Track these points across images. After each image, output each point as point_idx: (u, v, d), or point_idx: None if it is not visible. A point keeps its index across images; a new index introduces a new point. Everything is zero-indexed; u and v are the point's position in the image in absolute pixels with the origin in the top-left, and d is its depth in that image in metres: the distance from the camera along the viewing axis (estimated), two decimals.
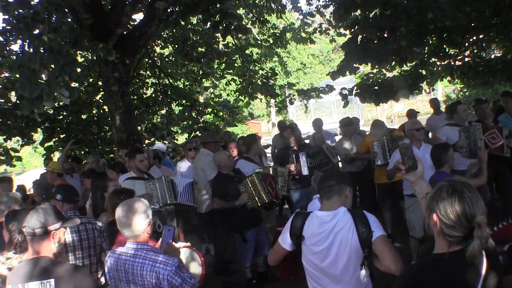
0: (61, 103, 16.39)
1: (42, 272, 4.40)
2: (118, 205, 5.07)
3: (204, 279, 6.39)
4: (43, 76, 8.49)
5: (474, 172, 7.95)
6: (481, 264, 3.10)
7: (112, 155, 16.57)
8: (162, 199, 8.88)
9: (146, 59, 19.33)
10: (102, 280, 6.77)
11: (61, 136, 17.21)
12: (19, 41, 11.00)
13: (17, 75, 9.04)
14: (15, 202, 7.03)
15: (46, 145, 17.30)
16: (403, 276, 3.46)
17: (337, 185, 4.76)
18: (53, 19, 9.64)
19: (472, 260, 3.08)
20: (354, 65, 12.41)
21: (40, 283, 4.35)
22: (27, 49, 9.11)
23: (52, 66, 8.52)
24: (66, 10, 10.99)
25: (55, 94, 8.33)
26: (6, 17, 10.39)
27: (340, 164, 13.07)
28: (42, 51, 8.65)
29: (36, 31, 8.96)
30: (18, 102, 10.05)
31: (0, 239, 6.08)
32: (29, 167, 45.76)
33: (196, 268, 6.46)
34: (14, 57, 11.40)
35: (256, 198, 8.79)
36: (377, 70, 14.40)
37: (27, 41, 9.08)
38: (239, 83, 21.60)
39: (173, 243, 5.45)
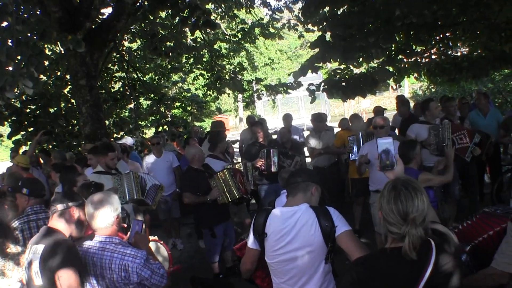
0: (28, 96, 16.39)
1: (41, 238, 4.85)
2: (87, 198, 5.09)
3: (172, 273, 6.41)
4: (10, 68, 8.48)
5: (440, 169, 8.06)
6: (426, 261, 3.15)
7: (79, 149, 16.51)
8: (129, 194, 8.87)
9: (115, 53, 19.22)
10: None
11: (29, 129, 17.11)
12: None
13: None
14: None
15: (13, 138, 17.22)
16: (351, 267, 3.56)
17: (302, 182, 4.77)
18: (21, 11, 9.59)
19: (407, 257, 3.16)
20: (317, 64, 12.49)
21: (36, 246, 4.73)
22: None
23: (19, 57, 8.50)
24: (35, 2, 10.91)
25: (18, 85, 8.32)
26: None
27: (309, 159, 13.19)
28: (10, 43, 8.63)
29: (4, 24, 8.92)
30: None
31: None
32: None
33: (163, 262, 6.49)
34: None
35: (227, 193, 8.83)
36: (344, 66, 14.49)
37: None
38: (207, 77, 21.60)
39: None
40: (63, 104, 18.45)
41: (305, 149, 13.17)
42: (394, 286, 3.22)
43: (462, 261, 3.51)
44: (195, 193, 9.12)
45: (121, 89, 20.62)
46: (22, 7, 9.74)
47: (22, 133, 17.32)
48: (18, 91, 9.06)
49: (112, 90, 20.68)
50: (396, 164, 4.18)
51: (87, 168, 9.83)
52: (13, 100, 16.60)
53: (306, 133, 14.97)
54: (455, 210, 10.07)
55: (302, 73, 12.42)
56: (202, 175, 9.25)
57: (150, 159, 12.03)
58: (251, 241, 4.92)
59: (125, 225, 5.70)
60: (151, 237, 6.56)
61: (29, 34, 9.02)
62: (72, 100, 17.41)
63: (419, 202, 3.22)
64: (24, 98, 17.14)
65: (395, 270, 3.24)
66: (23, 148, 16.58)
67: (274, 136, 13.66)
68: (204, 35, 19.58)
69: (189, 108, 23.57)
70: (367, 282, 3.31)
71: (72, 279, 4.58)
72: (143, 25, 18.61)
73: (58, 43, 12.40)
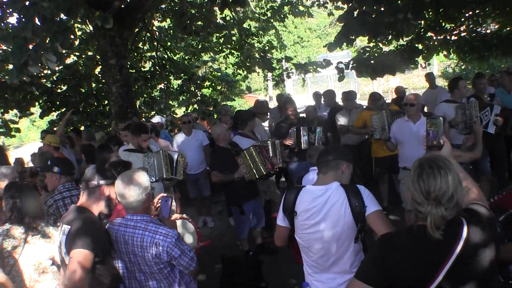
0: (59, 76, 16.49)
1: (70, 218, 4.83)
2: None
3: (202, 251, 6.42)
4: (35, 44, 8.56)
5: (469, 146, 7.98)
6: (454, 241, 3.09)
7: (110, 129, 16.59)
8: (158, 172, 8.90)
9: (145, 33, 19.24)
10: None
11: (62, 110, 17.30)
12: (16, 15, 11.02)
13: (12, 46, 9.10)
14: (3, 175, 7.11)
15: (46, 119, 17.38)
16: (378, 242, 3.48)
17: (333, 160, 4.72)
18: None
19: (431, 237, 3.10)
20: (351, 37, 12.43)
21: (65, 226, 4.77)
22: (23, 20, 9.13)
23: (44, 34, 8.55)
24: None
25: (42, 60, 8.37)
26: None
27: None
28: (37, 20, 8.69)
29: (30, 1, 8.99)
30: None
31: None
32: (27, 141, 45.65)
33: (191, 239, 6.53)
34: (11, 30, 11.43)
35: (254, 170, 8.81)
36: (374, 44, 14.43)
37: (22, 11, 9.10)
38: (237, 56, 21.56)
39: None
40: (94, 84, 18.55)
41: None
42: (417, 263, 3.17)
43: (498, 235, 3.41)
44: (222, 171, 9.11)
45: (152, 69, 20.67)
46: None
47: (55, 113, 17.47)
48: (49, 70, 9.11)
49: (143, 69, 20.72)
50: (443, 144, 4.19)
51: (119, 147, 9.90)
52: (44, 80, 16.74)
53: None
54: (489, 188, 9.98)
55: (338, 44, 12.45)
56: (229, 153, 9.23)
57: (180, 137, 11.98)
58: (280, 218, 4.89)
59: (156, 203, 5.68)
60: (179, 215, 6.60)
61: (55, 10, 9.04)
62: (103, 80, 17.50)
63: (443, 180, 3.15)
64: (55, 78, 17.29)
65: (419, 248, 3.19)
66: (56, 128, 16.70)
67: (303, 115, 13.58)
68: (233, 14, 19.55)
69: (219, 87, 23.57)
70: (390, 258, 3.26)
71: (84, 260, 4.54)
72: (172, 4, 18.59)
73: (88, 22, 12.41)
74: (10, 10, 11.10)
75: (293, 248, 5.29)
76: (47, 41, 8.60)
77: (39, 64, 8.63)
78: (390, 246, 3.33)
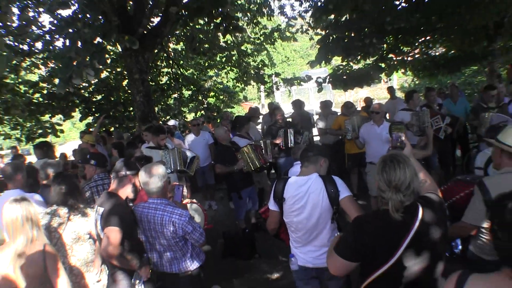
0: (94, 88, 16.65)
1: (103, 201, 5.05)
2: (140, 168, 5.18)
3: (207, 229, 6.48)
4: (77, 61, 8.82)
5: (422, 145, 8.11)
6: (412, 221, 3.18)
7: (134, 130, 16.74)
8: (173, 165, 8.96)
9: (162, 53, 19.32)
10: None
11: (96, 115, 17.62)
12: (62, 39, 11.20)
13: (59, 64, 9.38)
14: (52, 167, 7.18)
15: (84, 121, 17.74)
16: (352, 223, 3.56)
17: (313, 156, 4.81)
18: (86, 18, 9.81)
19: (393, 218, 3.20)
20: (328, 57, 12.61)
21: (99, 208, 5.02)
22: (68, 43, 9.35)
23: (85, 54, 8.78)
24: (99, 12, 11.05)
25: (83, 74, 8.59)
26: (51, 19, 10.63)
27: (317, 138, 13.26)
28: (79, 43, 8.88)
29: (74, 28, 9.21)
30: None
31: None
32: (69, 139, 45.78)
33: (199, 218, 6.61)
34: (59, 51, 11.68)
35: (250, 164, 8.87)
36: (346, 63, 14.60)
37: (67, 37, 9.33)
38: (236, 72, 21.65)
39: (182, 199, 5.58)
40: (122, 94, 18.71)
41: (314, 129, 13.26)
42: (382, 248, 3.24)
43: (446, 217, 3.50)
44: (224, 164, 9.20)
45: (167, 82, 20.72)
46: (89, 15, 9.89)
47: (91, 117, 17.78)
48: (86, 83, 9.34)
49: (160, 82, 20.80)
50: (405, 145, 4.32)
51: (142, 145, 9.98)
52: (82, 91, 17.00)
53: (315, 117, 14.94)
54: (437, 181, 10.06)
55: (318, 62, 12.71)
56: (229, 150, 9.36)
57: (190, 137, 12.13)
58: (272, 204, 4.95)
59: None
60: (189, 200, 6.70)
61: (93, 35, 9.32)
62: (129, 91, 17.65)
63: (401, 172, 3.24)
64: (91, 89, 17.56)
65: (384, 233, 3.26)
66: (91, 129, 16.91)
67: (289, 119, 13.63)
68: (233, 38, 19.69)
69: (221, 97, 23.61)
70: (360, 243, 3.32)
71: (115, 235, 4.72)
72: (184, 30, 18.68)
73: (118, 44, 12.54)
74: (57, 36, 11.34)
75: (282, 235, 5.35)
76: (87, 59, 8.84)
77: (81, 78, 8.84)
78: (360, 230, 3.39)
